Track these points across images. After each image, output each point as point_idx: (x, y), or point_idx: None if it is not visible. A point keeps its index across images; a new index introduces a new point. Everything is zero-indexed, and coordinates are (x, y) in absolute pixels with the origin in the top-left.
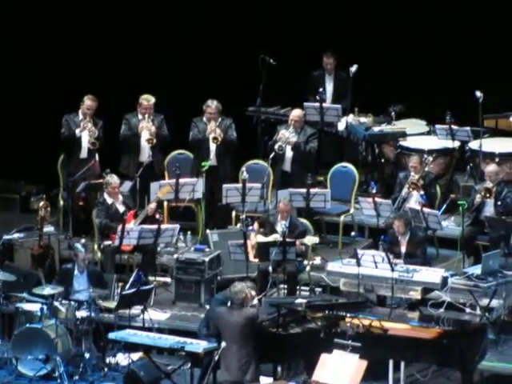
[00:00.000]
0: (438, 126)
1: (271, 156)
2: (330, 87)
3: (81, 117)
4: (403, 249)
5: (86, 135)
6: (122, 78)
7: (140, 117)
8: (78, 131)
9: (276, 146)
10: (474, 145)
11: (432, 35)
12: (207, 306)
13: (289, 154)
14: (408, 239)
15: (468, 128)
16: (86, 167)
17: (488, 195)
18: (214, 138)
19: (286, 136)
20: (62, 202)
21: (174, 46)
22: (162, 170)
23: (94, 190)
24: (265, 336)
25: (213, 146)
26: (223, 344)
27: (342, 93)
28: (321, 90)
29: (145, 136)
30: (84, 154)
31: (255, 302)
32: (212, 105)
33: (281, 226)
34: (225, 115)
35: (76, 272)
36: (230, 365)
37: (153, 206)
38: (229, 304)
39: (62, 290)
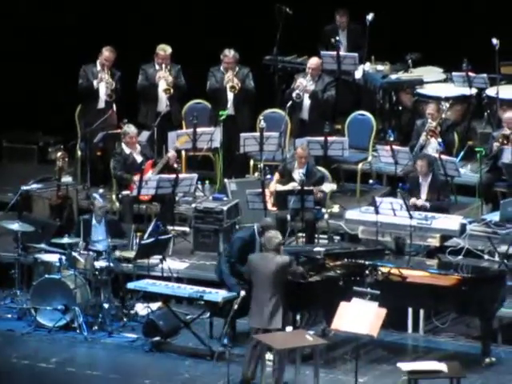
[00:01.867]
0: (454, 74)
1: (289, 104)
2: (343, 41)
3: (99, 67)
4: (424, 194)
5: (104, 86)
6: (140, 28)
7: (157, 67)
8: (95, 82)
9: (294, 94)
10: (491, 92)
11: None
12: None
13: (306, 102)
14: (430, 183)
15: (485, 75)
16: (103, 118)
17: (506, 142)
18: (232, 87)
19: (304, 84)
20: (79, 153)
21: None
22: (180, 119)
23: (111, 140)
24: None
25: (230, 96)
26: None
27: (357, 45)
28: (337, 38)
29: (162, 86)
30: (101, 104)
31: None
32: (229, 54)
33: (298, 173)
34: (242, 64)
35: (94, 222)
36: (261, 311)
37: (172, 154)
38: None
39: (81, 240)
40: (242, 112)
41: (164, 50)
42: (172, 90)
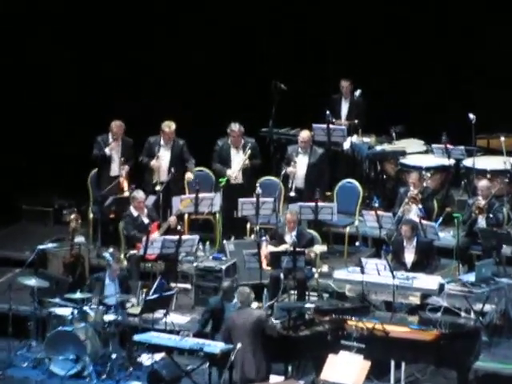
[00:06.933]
0: (434, 145)
1: (283, 173)
2: (345, 108)
3: (110, 139)
4: (409, 257)
5: (116, 156)
6: (148, 106)
7: (162, 142)
8: (107, 150)
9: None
10: (467, 162)
11: (429, 62)
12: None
13: (301, 172)
14: (416, 246)
15: (462, 147)
16: (112, 183)
17: (481, 212)
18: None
19: (294, 171)
20: (91, 215)
21: (194, 73)
22: (183, 185)
23: (122, 204)
24: (276, 338)
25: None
26: (239, 345)
27: (355, 113)
28: (328, 112)
29: (165, 163)
30: (115, 171)
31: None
32: (235, 128)
33: (290, 236)
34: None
35: (107, 281)
36: (242, 363)
37: (173, 218)
38: (238, 306)
39: (92, 295)
40: (249, 181)
41: (169, 126)
42: (173, 170)
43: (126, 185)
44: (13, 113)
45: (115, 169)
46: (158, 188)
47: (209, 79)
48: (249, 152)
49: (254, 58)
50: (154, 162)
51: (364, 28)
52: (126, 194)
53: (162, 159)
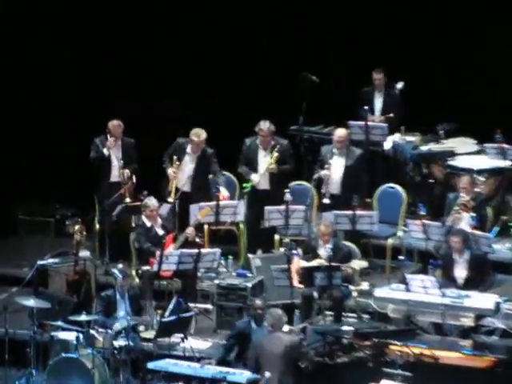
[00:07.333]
0: (487, 145)
1: (315, 177)
2: (378, 103)
3: (109, 140)
4: (461, 272)
5: (115, 159)
6: (148, 106)
7: (189, 150)
8: (105, 150)
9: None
10: None
11: (480, 56)
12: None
13: (337, 176)
14: (469, 260)
15: None
16: (119, 192)
17: None
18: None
19: (328, 174)
20: (97, 226)
21: (194, 73)
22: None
23: (130, 213)
24: (311, 365)
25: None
26: (267, 374)
27: (391, 109)
28: (365, 107)
29: (188, 172)
30: (115, 177)
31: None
32: (264, 127)
33: (325, 250)
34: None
35: (118, 297)
36: None
37: (191, 229)
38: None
39: (98, 317)
40: (277, 187)
41: (198, 135)
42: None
43: (127, 191)
44: (13, 113)
45: (115, 173)
46: (170, 199)
47: (209, 79)
48: (275, 155)
49: (254, 58)
50: (170, 172)
51: (364, 28)
52: (127, 200)
53: (184, 168)
